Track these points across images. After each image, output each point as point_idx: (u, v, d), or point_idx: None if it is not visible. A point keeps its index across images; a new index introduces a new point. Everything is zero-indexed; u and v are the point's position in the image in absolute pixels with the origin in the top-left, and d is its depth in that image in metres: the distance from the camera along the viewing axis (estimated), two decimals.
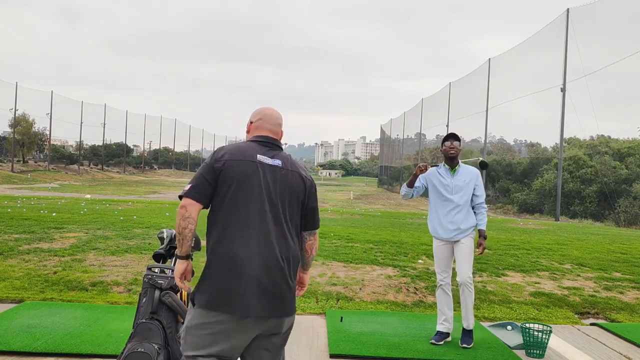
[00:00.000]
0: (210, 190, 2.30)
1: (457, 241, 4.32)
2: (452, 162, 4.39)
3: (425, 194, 4.58)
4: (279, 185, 2.36)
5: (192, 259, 2.44)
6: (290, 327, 2.41)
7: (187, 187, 2.30)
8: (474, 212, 4.40)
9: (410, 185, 4.37)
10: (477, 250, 4.27)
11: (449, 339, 4.40)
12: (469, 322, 4.34)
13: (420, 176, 4.33)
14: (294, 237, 2.42)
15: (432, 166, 4.43)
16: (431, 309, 5.49)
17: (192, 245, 2.37)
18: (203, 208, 2.32)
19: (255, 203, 2.30)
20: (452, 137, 4.42)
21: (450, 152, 4.37)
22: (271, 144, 2.46)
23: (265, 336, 2.32)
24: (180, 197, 2.30)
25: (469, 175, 4.38)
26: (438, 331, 4.43)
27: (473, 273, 4.36)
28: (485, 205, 4.43)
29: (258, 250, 2.27)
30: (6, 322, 4.33)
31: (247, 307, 2.21)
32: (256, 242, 2.27)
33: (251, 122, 2.56)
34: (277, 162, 2.40)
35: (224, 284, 2.23)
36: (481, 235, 4.33)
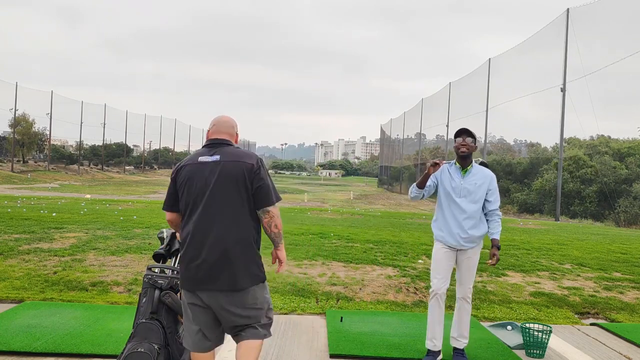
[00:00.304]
0: (175, 197, 2.86)
1: (463, 250, 3.90)
2: (463, 161, 3.90)
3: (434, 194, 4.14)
4: (218, 177, 2.74)
5: None
6: (250, 303, 2.78)
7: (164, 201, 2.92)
8: (487, 220, 3.94)
9: (422, 185, 3.88)
10: (490, 261, 3.83)
11: (441, 356, 3.99)
12: (463, 340, 3.97)
13: (432, 174, 3.87)
14: (244, 218, 2.77)
15: (444, 162, 3.96)
16: None
17: None
18: (179, 210, 2.88)
19: (200, 196, 2.75)
20: (464, 132, 3.90)
21: (461, 149, 3.88)
22: (214, 144, 2.87)
23: (223, 309, 2.76)
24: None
25: (482, 178, 3.89)
26: (428, 350, 3.99)
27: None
28: (500, 213, 3.96)
29: (205, 235, 2.71)
30: (6, 322, 4.33)
31: (197, 283, 2.72)
32: (203, 228, 2.72)
33: (209, 131, 2.97)
34: (216, 157, 2.79)
35: (183, 265, 2.78)
36: (494, 245, 3.89)
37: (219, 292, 2.72)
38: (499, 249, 3.87)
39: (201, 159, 2.81)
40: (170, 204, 2.88)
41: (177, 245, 3.36)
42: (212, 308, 2.77)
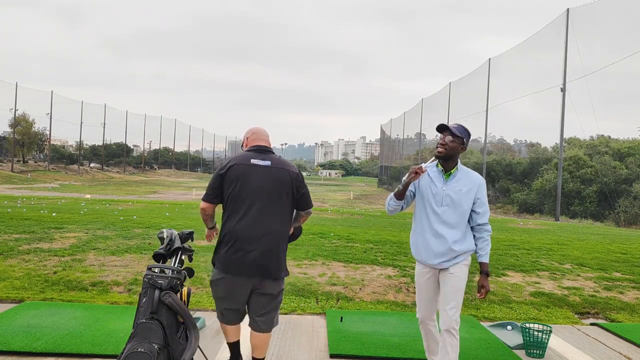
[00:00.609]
0: (219, 191, 3.22)
1: (445, 269, 3.23)
2: (445, 162, 3.25)
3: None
4: (269, 179, 3.19)
5: (215, 227, 3.52)
6: (279, 289, 3.29)
7: (205, 193, 3.28)
8: (473, 236, 3.27)
9: (400, 196, 3.26)
10: (478, 294, 3.22)
11: None
12: None
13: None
14: (285, 217, 3.26)
15: (429, 161, 3.34)
16: None
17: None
18: (218, 203, 3.28)
19: (252, 194, 3.15)
20: (446, 129, 3.21)
21: (437, 149, 3.23)
22: (263, 151, 3.30)
23: (258, 294, 3.23)
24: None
25: (469, 184, 3.22)
26: None
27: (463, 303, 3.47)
28: (490, 228, 3.27)
29: (253, 228, 3.13)
30: (6, 322, 4.33)
31: (243, 269, 3.13)
32: (252, 222, 3.14)
33: (247, 138, 3.40)
34: (267, 162, 3.23)
35: (227, 252, 3.16)
36: (483, 271, 3.20)
37: (262, 279, 3.18)
38: (488, 276, 3.20)
39: (253, 161, 3.21)
40: (214, 196, 3.23)
41: (177, 245, 3.36)
42: (250, 292, 3.22)
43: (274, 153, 3.33)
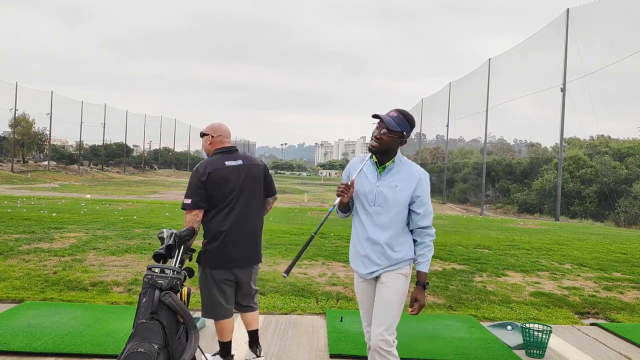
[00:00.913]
0: (204, 196, 3.39)
1: (378, 278, 2.79)
2: (381, 155, 2.78)
3: None
4: (244, 177, 3.48)
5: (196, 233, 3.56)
6: (256, 275, 3.68)
7: (188, 201, 3.37)
8: (414, 241, 2.78)
9: (344, 209, 2.89)
10: (410, 309, 2.72)
11: None
12: None
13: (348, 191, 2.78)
14: (261, 208, 3.63)
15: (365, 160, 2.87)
16: (431, 309, 5.49)
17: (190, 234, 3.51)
18: (206, 207, 3.43)
19: (232, 192, 3.42)
20: (379, 119, 2.74)
21: (371, 142, 2.78)
22: (231, 151, 3.56)
23: (249, 279, 3.56)
24: (184, 208, 3.38)
25: (404, 179, 2.74)
26: None
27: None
28: (433, 232, 2.77)
29: (238, 223, 3.43)
30: (6, 322, 4.33)
31: (233, 261, 3.44)
32: (236, 218, 3.43)
33: (212, 137, 3.56)
34: (239, 162, 3.52)
35: (218, 248, 3.41)
36: (420, 282, 2.70)
37: (251, 265, 3.54)
38: (425, 288, 2.68)
39: (227, 163, 3.46)
40: (202, 201, 3.40)
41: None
42: (241, 280, 3.51)
43: (238, 150, 3.64)
